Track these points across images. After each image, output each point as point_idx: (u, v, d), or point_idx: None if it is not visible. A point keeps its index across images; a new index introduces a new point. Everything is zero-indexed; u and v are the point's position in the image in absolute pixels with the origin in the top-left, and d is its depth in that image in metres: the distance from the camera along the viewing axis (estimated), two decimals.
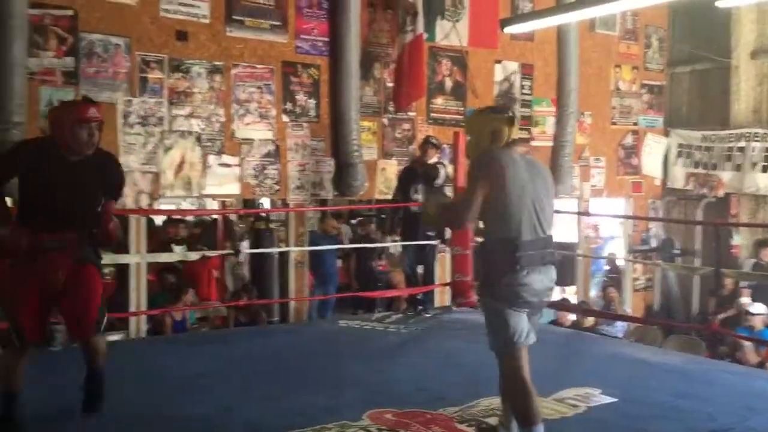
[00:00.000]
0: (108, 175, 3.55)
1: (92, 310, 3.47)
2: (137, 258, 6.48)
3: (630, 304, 9.69)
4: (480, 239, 3.39)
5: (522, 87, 8.80)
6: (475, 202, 3.03)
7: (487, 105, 4.76)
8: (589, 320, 8.25)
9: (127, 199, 6.39)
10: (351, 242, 9.40)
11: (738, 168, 9.34)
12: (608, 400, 4.16)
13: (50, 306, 3.46)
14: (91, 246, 3.53)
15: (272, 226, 8.12)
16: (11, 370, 3.39)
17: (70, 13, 6.10)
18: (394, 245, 8.57)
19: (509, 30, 8.36)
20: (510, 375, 3.11)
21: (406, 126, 7.95)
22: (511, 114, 3.26)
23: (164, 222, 9.63)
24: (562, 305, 7.89)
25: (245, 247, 8.15)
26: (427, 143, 6.75)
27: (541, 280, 3.08)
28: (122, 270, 6.83)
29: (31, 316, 3.35)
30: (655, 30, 10.01)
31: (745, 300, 7.86)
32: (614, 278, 9.92)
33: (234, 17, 6.86)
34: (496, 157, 3.09)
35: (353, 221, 10.47)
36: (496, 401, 4.05)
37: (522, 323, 3.09)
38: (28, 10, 5.77)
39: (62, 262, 3.40)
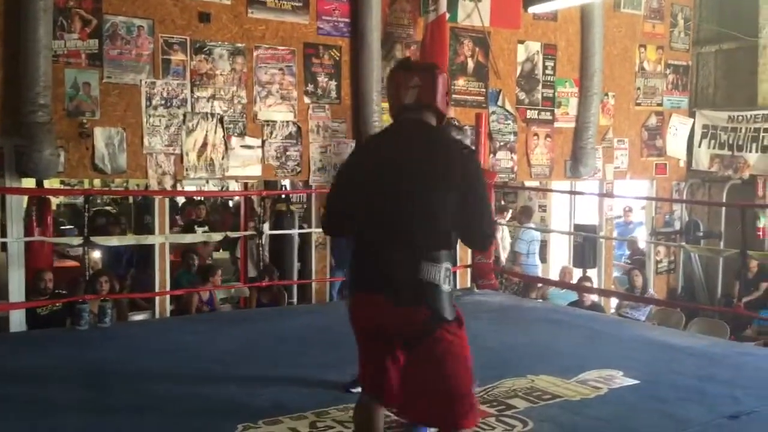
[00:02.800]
0: None
1: None
2: (161, 239, 6.55)
3: (653, 286, 9.63)
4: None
5: (545, 68, 8.72)
6: None
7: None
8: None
9: (151, 180, 6.46)
10: None
11: (765, 149, 9.19)
12: (630, 382, 4.16)
13: None
14: None
15: (293, 207, 8.16)
16: None
17: None
18: None
19: (533, 9, 8.31)
20: None
21: None
22: None
23: (183, 204, 9.74)
24: (584, 287, 7.86)
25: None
26: (449, 125, 6.72)
27: None
28: (147, 251, 6.92)
29: None
30: (681, 9, 9.85)
31: None
32: (638, 260, 9.85)
33: None
34: None
35: None
36: (519, 382, 4.08)
37: None
38: None
39: None
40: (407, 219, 2.46)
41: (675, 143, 9.91)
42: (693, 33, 10.00)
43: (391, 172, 2.52)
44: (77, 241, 5.69)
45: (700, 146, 9.93)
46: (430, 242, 2.45)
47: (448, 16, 7.51)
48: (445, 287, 2.48)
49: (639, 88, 9.57)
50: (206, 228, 8.07)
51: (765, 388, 4.12)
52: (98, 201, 10.93)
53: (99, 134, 6.21)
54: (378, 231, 2.52)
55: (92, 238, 5.73)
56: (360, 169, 2.64)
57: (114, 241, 6.99)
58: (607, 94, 9.16)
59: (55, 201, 9.89)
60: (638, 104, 9.59)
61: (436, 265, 2.44)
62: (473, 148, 2.68)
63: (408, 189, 2.48)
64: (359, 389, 3.88)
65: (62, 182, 8.96)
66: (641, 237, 9.97)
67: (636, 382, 4.16)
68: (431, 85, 2.62)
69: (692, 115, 10.01)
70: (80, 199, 7.47)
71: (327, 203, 2.77)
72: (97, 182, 8.76)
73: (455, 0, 7.84)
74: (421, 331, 2.44)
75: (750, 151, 9.36)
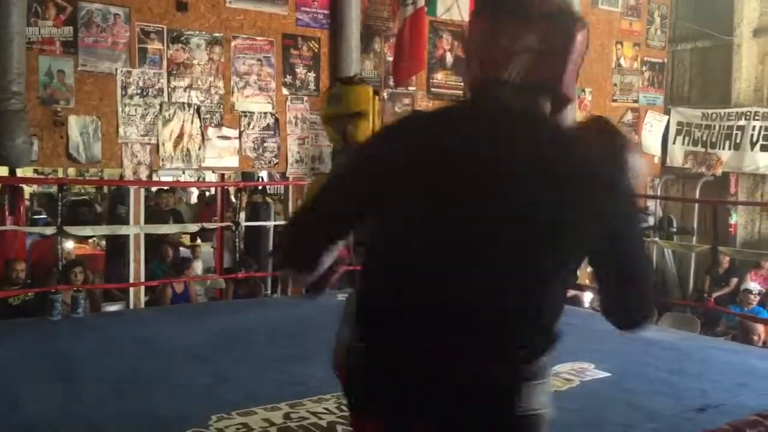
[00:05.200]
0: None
1: None
2: (135, 229, 6.50)
3: None
4: None
5: None
6: None
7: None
8: None
9: (126, 170, 6.40)
10: None
11: (737, 147, 9.34)
12: (602, 374, 4.20)
13: None
14: None
15: (269, 199, 8.13)
16: None
17: None
18: None
19: None
20: None
21: (406, 100, 7.93)
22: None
23: (156, 191, 9.66)
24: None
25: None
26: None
27: None
28: (120, 241, 6.86)
29: None
30: (658, 7, 9.94)
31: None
32: None
33: None
34: None
35: None
36: None
37: None
38: None
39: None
40: (502, 295, 1.36)
41: (650, 139, 10.01)
42: (669, 31, 10.10)
43: (476, 197, 1.33)
44: (50, 230, 5.63)
45: (674, 143, 10.04)
46: (537, 342, 1.43)
47: (426, 10, 7.51)
48: (548, 413, 1.44)
49: (615, 85, 9.65)
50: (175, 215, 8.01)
51: (733, 381, 4.18)
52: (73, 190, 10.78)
53: (73, 123, 6.14)
54: (432, 302, 1.36)
55: (66, 228, 5.67)
56: (402, 172, 1.35)
57: (88, 231, 6.92)
58: (584, 90, 9.23)
59: (28, 190, 9.75)
60: (614, 101, 9.67)
61: (540, 383, 1.41)
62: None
63: (512, 239, 1.33)
64: None
65: (36, 171, 8.84)
66: None
67: (607, 374, 4.21)
68: (564, 52, 1.36)
69: (667, 112, 10.12)
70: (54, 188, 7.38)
71: (310, 209, 1.55)
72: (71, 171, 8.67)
73: None
74: None
75: (723, 149, 9.49)
